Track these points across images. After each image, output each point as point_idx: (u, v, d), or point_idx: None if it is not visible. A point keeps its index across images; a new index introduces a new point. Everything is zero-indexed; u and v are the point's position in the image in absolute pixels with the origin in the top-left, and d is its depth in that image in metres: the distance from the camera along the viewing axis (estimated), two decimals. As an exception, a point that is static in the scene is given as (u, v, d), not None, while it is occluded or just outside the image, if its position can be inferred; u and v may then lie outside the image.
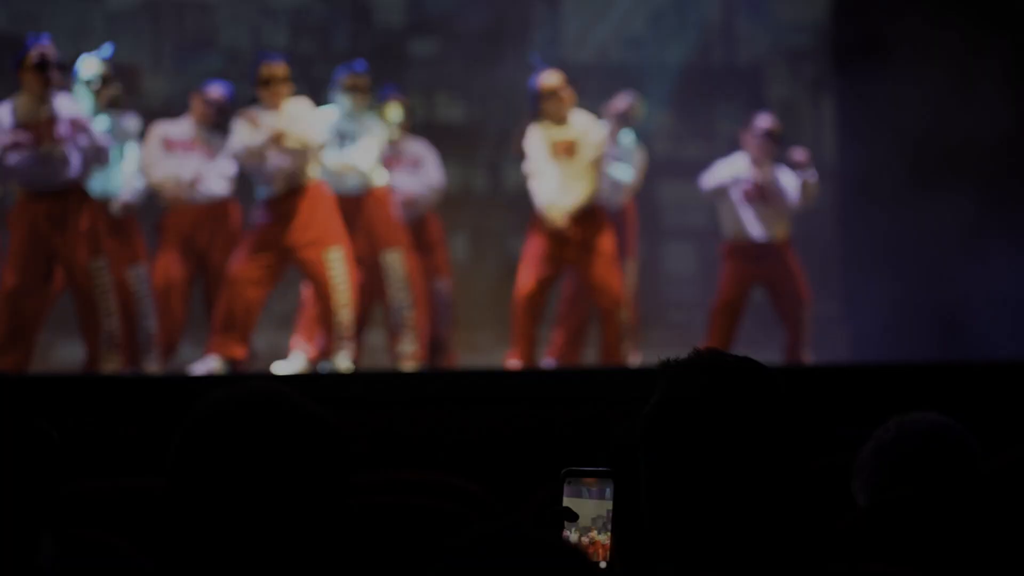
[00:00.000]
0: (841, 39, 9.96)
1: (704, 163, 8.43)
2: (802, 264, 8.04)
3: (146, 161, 7.31)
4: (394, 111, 7.74)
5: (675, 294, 9.46)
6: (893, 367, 6.71)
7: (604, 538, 1.99)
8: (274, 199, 7.01)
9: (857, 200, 9.82)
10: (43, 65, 6.46)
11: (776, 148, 7.85)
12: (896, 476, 2.68)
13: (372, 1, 9.72)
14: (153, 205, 7.47)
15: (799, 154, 7.81)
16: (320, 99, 7.42)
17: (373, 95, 7.57)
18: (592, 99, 8.20)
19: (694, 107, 9.50)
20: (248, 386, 1.97)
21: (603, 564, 1.98)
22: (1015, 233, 9.23)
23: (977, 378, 6.15)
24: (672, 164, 8.91)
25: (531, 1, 9.91)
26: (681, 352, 2.02)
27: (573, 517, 1.98)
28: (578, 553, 1.69)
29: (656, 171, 9.02)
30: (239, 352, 7.01)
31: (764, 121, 7.84)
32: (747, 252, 7.83)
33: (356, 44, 9.42)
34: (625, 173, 8.09)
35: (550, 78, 7.47)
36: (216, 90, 7.47)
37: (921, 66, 9.20)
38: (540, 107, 7.42)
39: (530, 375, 6.97)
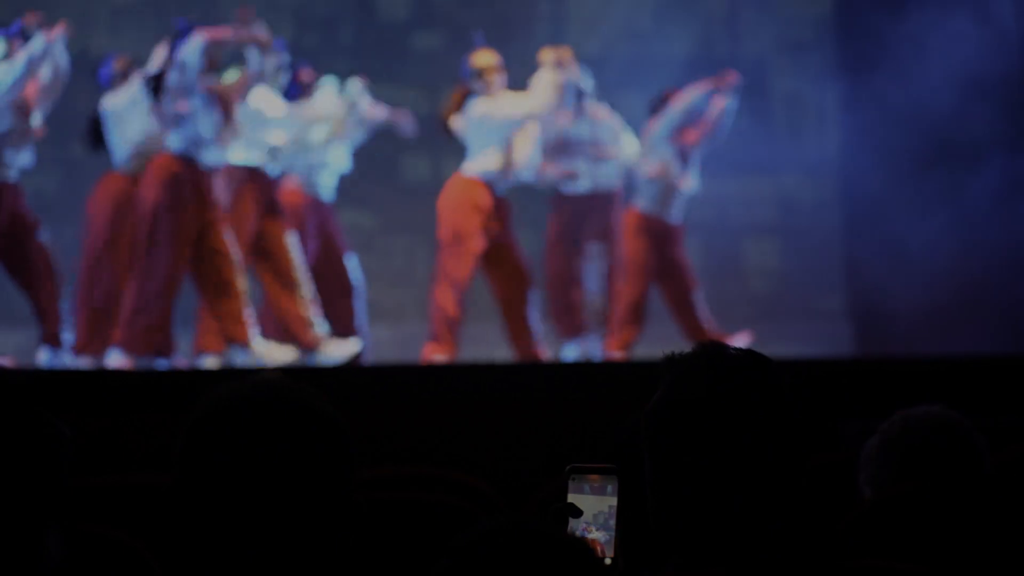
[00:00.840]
0: (845, 32, 9.95)
1: (708, 156, 8.42)
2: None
3: None
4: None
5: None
6: (896, 361, 6.71)
7: (606, 534, 1.99)
8: None
9: (861, 193, 9.82)
10: None
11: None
12: (903, 470, 2.67)
13: (377, -6, 9.73)
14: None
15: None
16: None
17: None
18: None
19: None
20: (254, 380, 1.97)
21: (607, 560, 1.98)
22: (1018, 225, 9.23)
23: (980, 372, 6.14)
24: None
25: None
26: (684, 346, 2.02)
27: (577, 513, 1.99)
28: (585, 546, 1.70)
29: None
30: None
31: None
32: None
33: (360, 38, 9.42)
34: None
35: (484, 57, 7.52)
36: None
37: (924, 58, 9.19)
38: (473, 84, 7.49)
39: (534, 369, 6.97)
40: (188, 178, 6.85)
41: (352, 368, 6.95)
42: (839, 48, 9.98)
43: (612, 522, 1.98)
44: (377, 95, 8.06)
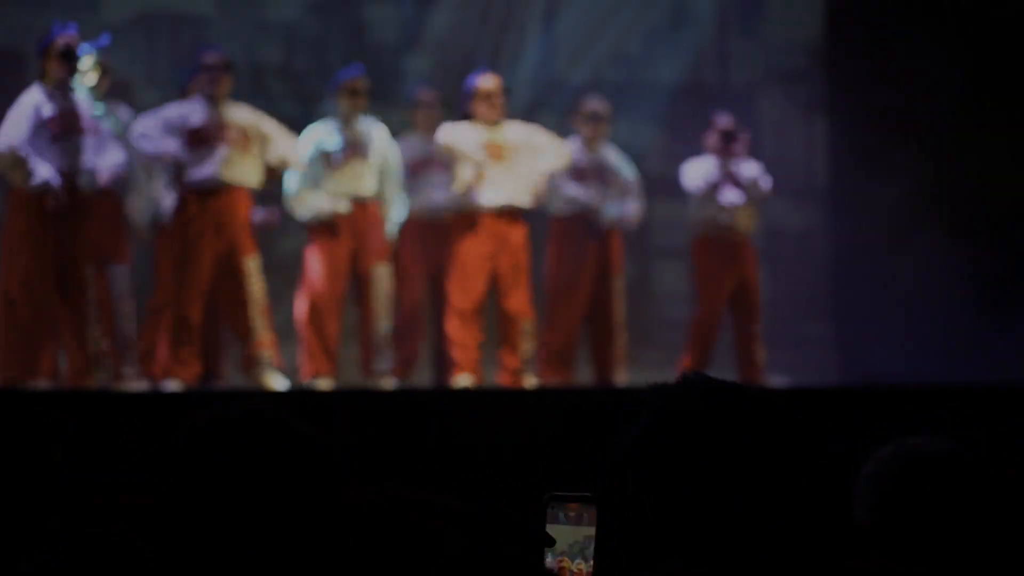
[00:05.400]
0: (834, 61, 9.99)
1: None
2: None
3: None
4: None
5: (665, 313, 9.47)
6: (883, 389, 6.72)
7: (584, 565, 1.98)
8: None
9: (848, 221, 9.84)
10: (69, 54, 6.51)
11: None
12: (898, 500, 2.67)
13: (367, 18, 9.74)
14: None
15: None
16: (313, 114, 7.43)
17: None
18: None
19: (686, 127, 9.52)
20: (237, 405, 1.98)
21: (584, 590, 1.97)
22: (1005, 252, 9.25)
23: (969, 400, 6.16)
24: (663, 183, 8.91)
25: (526, 19, 9.93)
26: (671, 371, 2.02)
27: (550, 543, 1.97)
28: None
29: (648, 190, 9.02)
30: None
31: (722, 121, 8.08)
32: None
33: (350, 60, 9.43)
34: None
35: (490, 80, 7.59)
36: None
37: (913, 89, 9.23)
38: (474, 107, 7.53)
39: (516, 394, 6.98)
40: None
41: (335, 392, 6.95)
42: (828, 77, 10.03)
43: (590, 552, 1.97)
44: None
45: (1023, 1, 9.36)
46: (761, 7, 10.25)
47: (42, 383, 6.53)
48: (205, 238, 6.91)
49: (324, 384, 7.18)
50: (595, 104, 7.93)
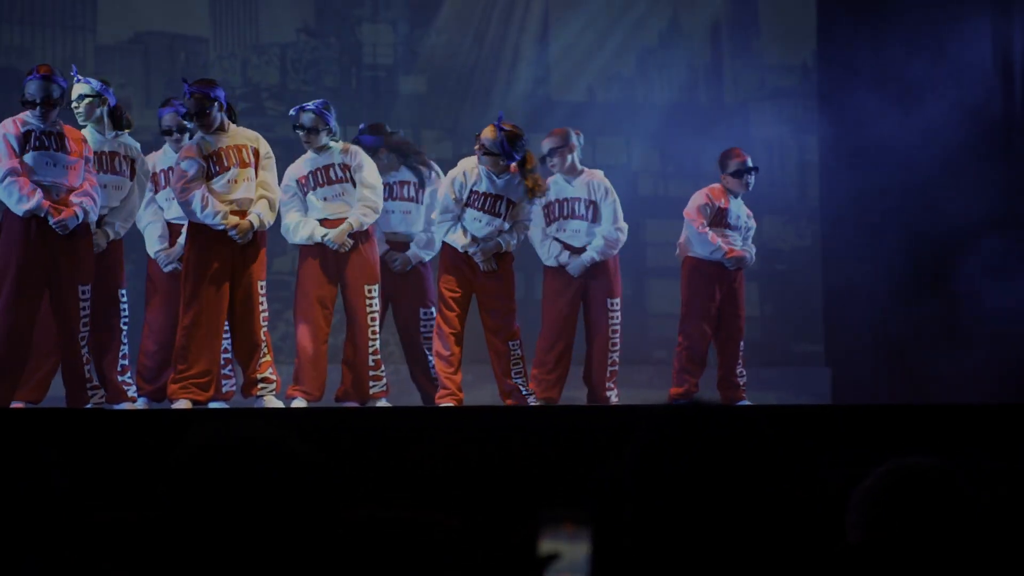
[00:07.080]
0: (826, 80, 10.02)
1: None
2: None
3: None
4: None
5: (659, 332, 9.48)
6: (873, 409, 6.74)
7: None
8: None
9: (839, 241, 9.85)
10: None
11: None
12: (892, 518, 2.69)
13: (362, 39, 9.77)
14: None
15: None
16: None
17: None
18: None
19: (680, 146, 9.55)
20: (234, 424, 1.99)
21: (580, 607, 1.98)
22: (996, 272, 9.28)
23: (955, 421, 6.18)
24: (657, 202, 8.95)
25: (519, 40, 9.96)
26: (664, 390, 2.05)
27: (545, 562, 1.98)
28: None
29: (641, 209, 9.04)
30: None
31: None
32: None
33: (346, 81, 9.47)
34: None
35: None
36: None
37: (905, 106, 9.26)
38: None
39: (514, 412, 6.98)
40: None
41: (328, 410, 6.95)
42: (821, 96, 10.05)
43: (585, 570, 1.98)
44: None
45: (1010, 34, 9.40)
46: (754, 26, 10.27)
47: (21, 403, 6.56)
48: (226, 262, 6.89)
49: (315, 404, 7.19)
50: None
